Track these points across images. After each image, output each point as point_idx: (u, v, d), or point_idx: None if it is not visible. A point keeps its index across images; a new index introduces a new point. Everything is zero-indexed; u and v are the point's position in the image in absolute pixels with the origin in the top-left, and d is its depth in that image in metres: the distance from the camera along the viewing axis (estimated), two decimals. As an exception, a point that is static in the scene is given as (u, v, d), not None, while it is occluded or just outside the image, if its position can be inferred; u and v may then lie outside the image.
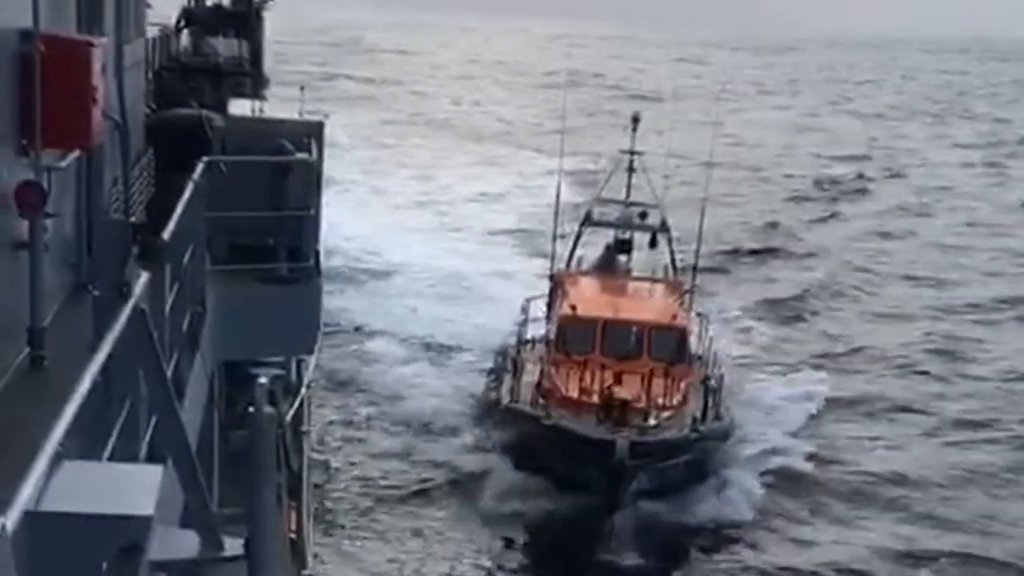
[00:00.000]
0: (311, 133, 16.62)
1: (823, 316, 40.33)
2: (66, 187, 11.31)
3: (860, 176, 68.25)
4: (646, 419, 23.30)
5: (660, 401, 24.13)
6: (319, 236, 16.09)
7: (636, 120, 30.91)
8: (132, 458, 7.04)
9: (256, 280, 13.81)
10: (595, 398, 23.86)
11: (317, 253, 15.02)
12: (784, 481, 26.31)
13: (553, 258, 31.38)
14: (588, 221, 31.55)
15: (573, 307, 27.01)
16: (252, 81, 23.98)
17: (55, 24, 10.31)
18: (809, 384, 32.20)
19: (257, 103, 23.87)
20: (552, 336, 27.24)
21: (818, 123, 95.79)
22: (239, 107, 22.97)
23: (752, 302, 40.30)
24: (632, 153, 31.26)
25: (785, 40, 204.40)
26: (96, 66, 10.10)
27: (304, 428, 18.65)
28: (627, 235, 30.95)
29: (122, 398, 7.02)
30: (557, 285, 29.70)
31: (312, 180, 15.13)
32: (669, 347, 26.16)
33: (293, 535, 15.37)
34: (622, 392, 23.48)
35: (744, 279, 44.15)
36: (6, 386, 8.83)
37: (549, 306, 29.58)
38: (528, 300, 30.40)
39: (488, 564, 22.08)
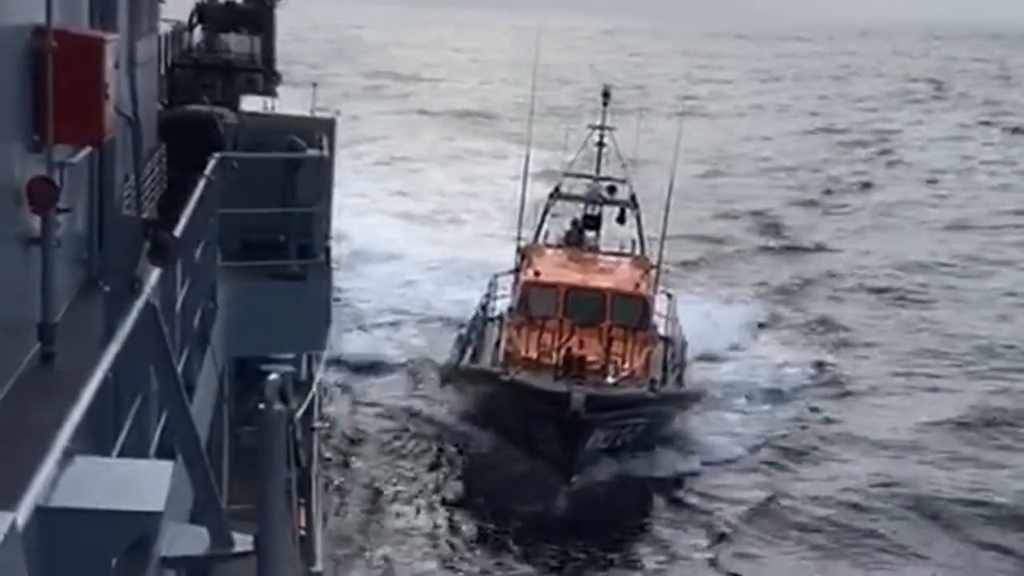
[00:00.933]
0: (322, 130, 16.65)
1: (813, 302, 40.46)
2: (78, 183, 11.33)
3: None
4: (604, 376, 23.45)
5: (620, 362, 24.29)
6: (330, 232, 16.11)
7: (607, 95, 31.11)
8: (142, 454, 7.05)
9: (267, 276, 13.83)
10: (555, 358, 24.04)
11: (328, 249, 15.04)
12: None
13: (520, 233, 31.26)
14: (556, 195, 31.57)
15: (537, 272, 27.22)
16: (264, 78, 24.02)
17: (68, 20, 10.33)
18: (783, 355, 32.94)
19: (269, 99, 23.91)
20: (515, 302, 27.39)
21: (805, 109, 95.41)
22: (251, 104, 22.99)
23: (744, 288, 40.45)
24: (602, 128, 31.32)
25: (786, 29, 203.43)
26: (108, 62, 10.12)
27: (315, 424, 18.66)
28: (595, 210, 31.03)
29: (132, 394, 7.03)
30: (524, 258, 29.76)
31: (323, 176, 15.15)
32: (631, 314, 26.25)
33: (303, 532, 15.38)
34: (581, 350, 23.64)
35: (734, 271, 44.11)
36: (17, 381, 8.85)
37: (516, 278, 29.63)
38: (496, 276, 30.46)
39: (493, 560, 22.09)
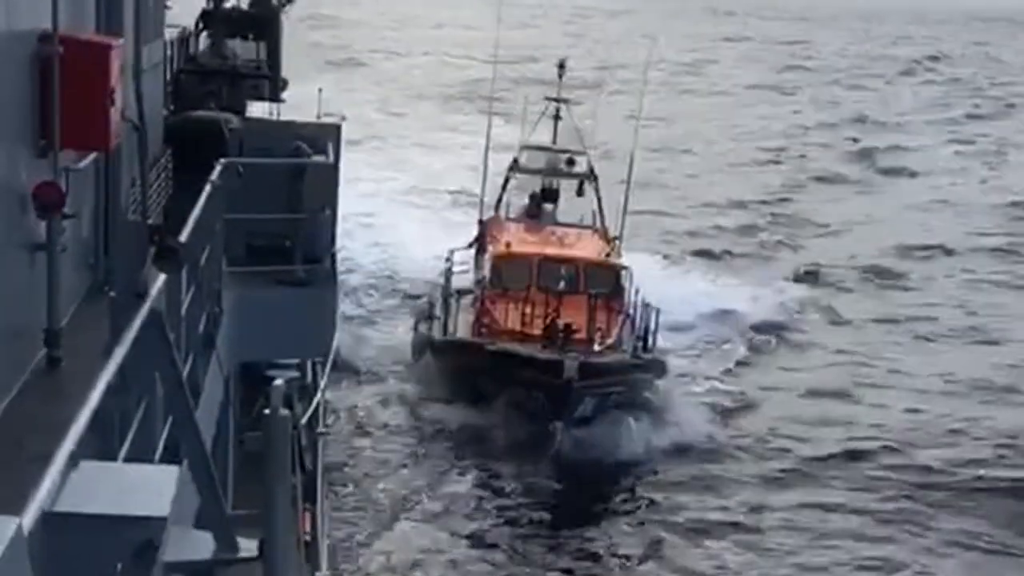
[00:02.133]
0: (328, 135, 16.64)
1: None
2: (84, 188, 11.35)
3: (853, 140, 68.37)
4: (590, 344, 23.68)
5: (601, 328, 24.48)
6: (335, 238, 16.10)
7: (562, 66, 31.16)
8: (148, 459, 7.05)
9: (273, 282, 13.84)
10: (536, 330, 24.21)
11: (333, 255, 15.04)
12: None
13: (481, 207, 31.24)
14: (515, 167, 31.50)
15: (508, 244, 27.23)
16: (270, 83, 24.03)
17: (74, 26, 10.35)
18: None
19: (275, 105, 23.92)
20: (487, 274, 27.29)
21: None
22: (257, 109, 22.99)
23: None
24: (558, 100, 31.29)
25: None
26: (114, 68, 10.14)
27: (319, 430, 18.65)
28: (554, 183, 30.90)
29: (138, 399, 7.03)
30: (485, 231, 29.76)
31: (329, 182, 15.15)
32: (604, 284, 26.39)
33: (308, 537, 15.36)
34: (565, 319, 23.73)
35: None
36: (23, 386, 8.86)
37: (478, 251, 29.58)
38: (452, 250, 30.32)
39: (496, 557, 22.11)
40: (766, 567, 21.44)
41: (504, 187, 31.27)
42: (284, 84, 25.22)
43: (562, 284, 25.09)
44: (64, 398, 8.20)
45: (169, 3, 18.84)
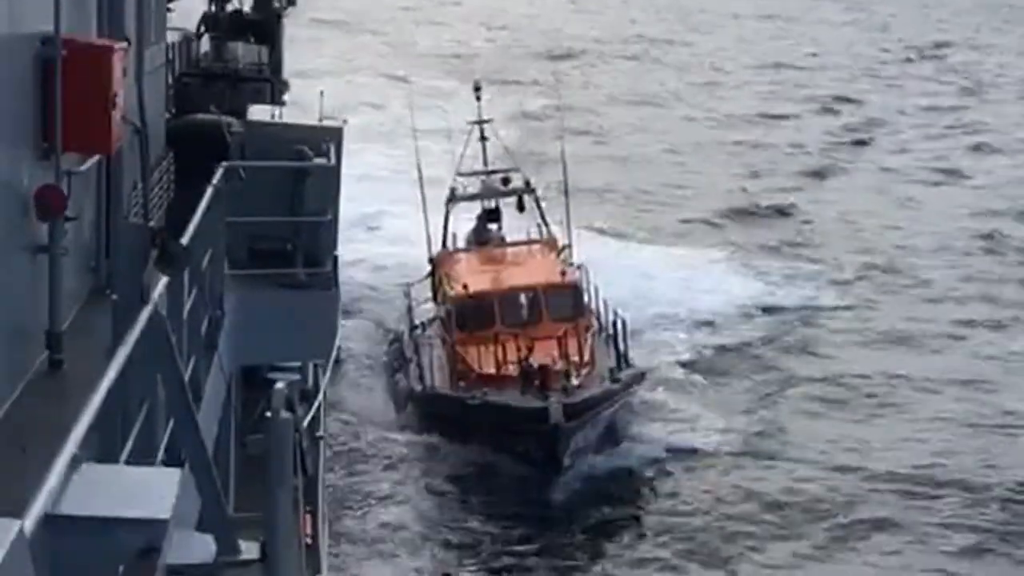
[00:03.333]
0: (330, 139, 16.65)
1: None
2: (86, 191, 11.35)
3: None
4: (568, 379, 23.64)
5: (575, 359, 24.57)
6: (337, 242, 16.11)
7: (478, 88, 31.65)
8: (149, 461, 7.06)
9: (274, 285, 13.85)
10: (511, 369, 24.23)
11: (335, 259, 15.05)
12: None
13: (429, 242, 31.00)
14: (453, 198, 31.58)
15: (465, 286, 27.16)
16: (272, 87, 24.04)
17: (76, 28, 10.35)
18: None
19: (276, 108, 23.92)
20: (450, 318, 27.20)
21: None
22: (259, 112, 22.99)
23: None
24: (480, 123, 31.61)
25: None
26: (117, 70, 10.14)
27: (319, 433, 18.66)
28: (493, 204, 31.17)
29: (140, 402, 7.04)
30: (437, 267, 29.82)
31: (330, 185, 15.16)
32: (566, 304, 26.47)
33: (309, 540, 15.37)
34: (538, 358, 23.77)
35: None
36: (25, 389, 8.86)
37: (434, 289, 29.70)
38: (409, 285, 30.55)
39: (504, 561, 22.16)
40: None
41: (446, 221, 31.31)
42: (286, 87, 25.24)
43: (521, 317, 25.74)
44: (66, 401, 8.21)
45: (171, 6, 18.87)
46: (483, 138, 31.51)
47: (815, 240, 42.33)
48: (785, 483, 24.69)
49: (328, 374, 17.70)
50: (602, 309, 27.54)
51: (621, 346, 25.82)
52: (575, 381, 23.75)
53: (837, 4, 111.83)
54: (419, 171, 31.34)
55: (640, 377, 26.09)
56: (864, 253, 41.00)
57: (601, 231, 38.87)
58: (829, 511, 23.57)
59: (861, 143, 59.04)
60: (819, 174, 52.14)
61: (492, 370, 24.70)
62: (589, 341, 25.96)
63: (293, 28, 29.97)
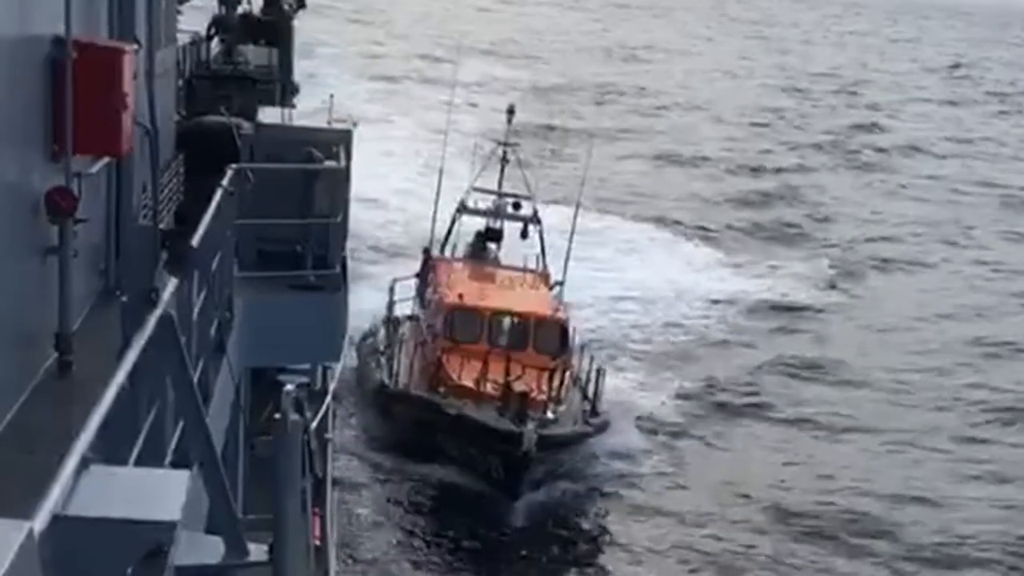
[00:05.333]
0: (339, 141, 16.65)
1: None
2: (96, 193, 11.37)
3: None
4: (545, 411, 23.94)
5: (554, 395, 24.87)
6: (346, 244, 16.11)
7: (511, 111, 31.73)
8: (158, 463, 7.06)
9: (284, 287, 13.85)
10: (489, 387, 24.40)
11: (344, 261, 15.05)
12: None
13: (432, 238, 31.45)
14: (463, 209, 31.86)
15: (461, 296, 27.28)
16: (282, 89, 24.07)
17: (87, 30, 10.38)
18: None
19: (286, 110, 23.94)
20: (439, 323, 27.26)
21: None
22: (269, 115, 23.01)
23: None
24: (506, 145, 31.83)
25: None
26: (127, 73, 10.16)
27: (328, 435, 18.67)
28: (498, 224, 31.31)
29: (149, 403, 7.04)
30: (428, 267, 29.98)
31: (340, 187, 15.17)
32: (552, 339, 26.67)
33: (317, 542, 15.37)
34: (521, 385, 23.96)
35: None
36: (34, 390, 8.88)
37: (421, 287, 29.83)
38: (395, 280, 30.62)
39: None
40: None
41: (451, 228, 31.68)
42: (296, 89, 25.25)
43: (508, 340, 25.98)
44: (75, 402, 8.22)
45: (181, 8, 18.90)
46: (504, 159, 31.74)
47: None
48: (751, 504, 25.27)
49: (336, 376, 17.71)
50: (583, 349, 27.70)
51: (592, 393, 25.96)
52: (551, 415, 24.05)
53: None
54: (440, 173, 31.78)
55: (607, 426, 26.22)
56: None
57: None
58: (796, 534, 24.11)
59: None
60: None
61: (471, 384, 24.82)
62: (567, 381, 26.11)
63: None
